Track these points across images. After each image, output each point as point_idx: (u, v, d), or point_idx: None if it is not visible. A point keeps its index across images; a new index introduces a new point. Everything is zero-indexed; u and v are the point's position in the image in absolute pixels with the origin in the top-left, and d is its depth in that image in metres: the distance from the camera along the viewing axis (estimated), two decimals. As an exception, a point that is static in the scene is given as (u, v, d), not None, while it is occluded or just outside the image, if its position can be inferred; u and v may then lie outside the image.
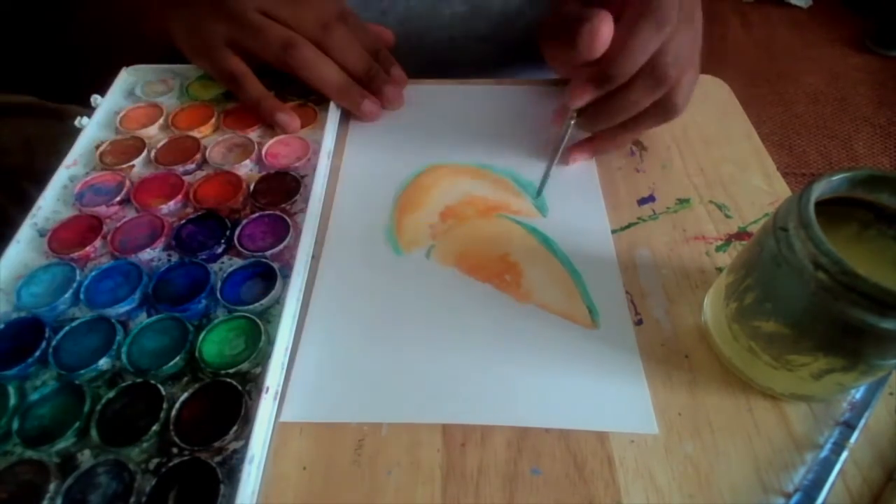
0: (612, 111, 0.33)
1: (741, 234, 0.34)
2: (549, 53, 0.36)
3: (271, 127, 0.39)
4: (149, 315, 0.29)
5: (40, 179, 0.35)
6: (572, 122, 0.35)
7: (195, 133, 0.39)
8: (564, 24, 0.31)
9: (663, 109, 0.33)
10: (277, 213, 0.34)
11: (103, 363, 0.27)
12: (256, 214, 0.34)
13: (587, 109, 0.34)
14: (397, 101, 0.41)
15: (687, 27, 0.31)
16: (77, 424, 0.25)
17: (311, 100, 0.41)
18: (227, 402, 0.26)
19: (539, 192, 0.36)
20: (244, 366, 0.27)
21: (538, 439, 0.26)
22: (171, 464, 0.24)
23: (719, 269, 0.32)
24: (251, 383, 0.27)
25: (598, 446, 0.25)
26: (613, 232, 0.34)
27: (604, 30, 0.29)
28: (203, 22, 0.38)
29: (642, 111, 0.33)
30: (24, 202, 0.34)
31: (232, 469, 0.24)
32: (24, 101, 0.58)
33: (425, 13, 0.49)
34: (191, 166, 0.37)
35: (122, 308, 0.29)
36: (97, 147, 0.38)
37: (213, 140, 0.38)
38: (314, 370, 0.28)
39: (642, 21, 0.29)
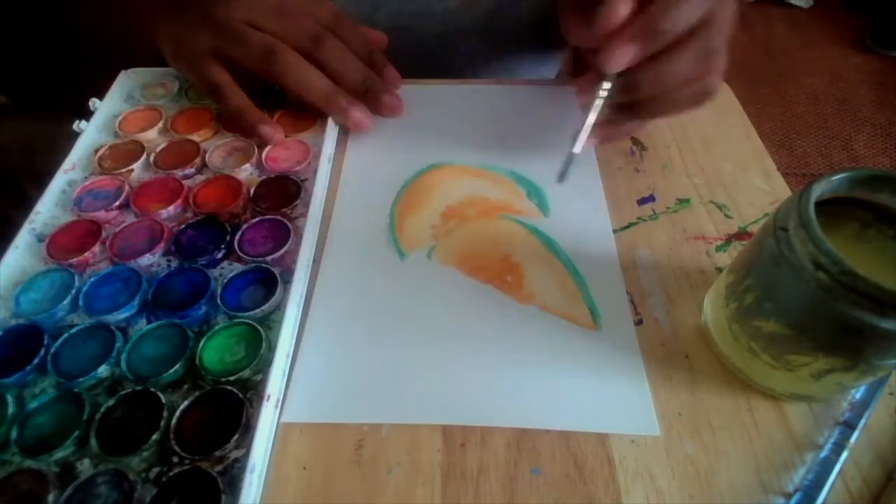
0: (657, 76, 0.29)
1: (741, 234, 0.34)
2: (569, 25, 0.34)
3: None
4: (148, 321, 0.29)
5: (40, 180, 0.35)
6: (606, 91, 0.31)
7: (195, 137, 0.39)
8: None
9: (699, 89, 0.30)
10: (278, 217, 0.34)
11: (102, 370, 0.27)
12: (257, 219, 0.34)
13: (623, 75, 0.30)
14: (395, 108, 0.40)
15: (730, 4, 0.29)
16: (76, 433, 0.25)
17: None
18: (227, 409, 0.26)
19: (561, 177, 0.34)
20: (245, 373, 0.27)
21: (538, 439, 0.26)
22: (171, 473, 0.24)
23: (719, 269, 0.32)
24: (252, 391, 0.26)
25: (598, 446, 0.25)
26: (614, 232, 0.34)
27: (621, 6, 0.27)
28: (189, 31, 0.37)
29: (681, 87, 0.30)
30: (24, 203, 0.34)
31: (233, 478, 0.24)
32: (23, 101, 0.58)
33: (418, 8, 0.49)
34: (190, 170, 0.37)
35: (122, 314, 0.29)
36: (96, 151, 0.38)
37: (212, 144, 0.38)
38: (315, 371, 0.28)
39: None
